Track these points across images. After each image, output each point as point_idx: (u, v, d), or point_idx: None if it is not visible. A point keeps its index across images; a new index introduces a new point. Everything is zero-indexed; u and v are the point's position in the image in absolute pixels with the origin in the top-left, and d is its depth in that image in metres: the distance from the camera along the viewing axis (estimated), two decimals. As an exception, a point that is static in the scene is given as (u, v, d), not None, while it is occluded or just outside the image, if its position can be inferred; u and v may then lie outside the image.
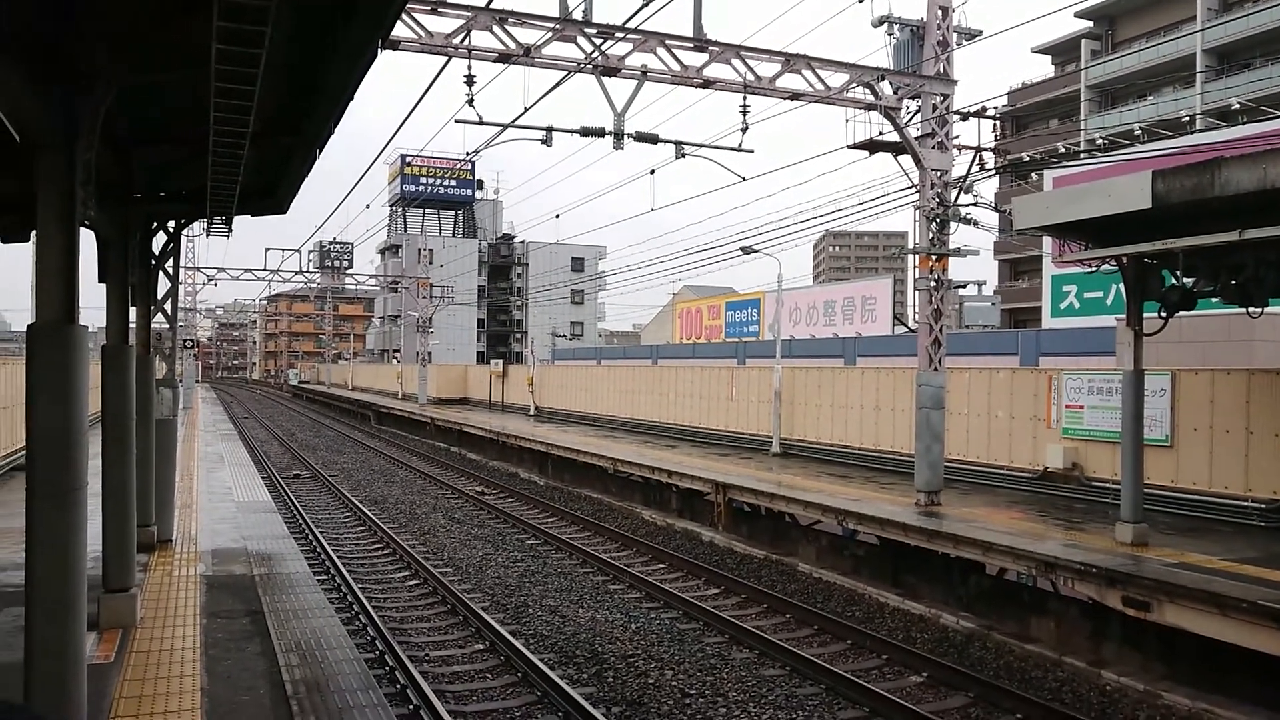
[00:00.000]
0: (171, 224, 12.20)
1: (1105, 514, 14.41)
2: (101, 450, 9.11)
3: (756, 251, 24.06)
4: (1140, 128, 35.87)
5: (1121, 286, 12.91)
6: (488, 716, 9.44)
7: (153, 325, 12.52)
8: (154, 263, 12.17)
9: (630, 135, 15.93)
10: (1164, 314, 12.40)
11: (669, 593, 14.12)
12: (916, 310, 17.54)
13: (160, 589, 10.39)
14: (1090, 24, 49.88)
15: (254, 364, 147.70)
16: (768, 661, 11.23)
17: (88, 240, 8.39)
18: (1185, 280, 12.01)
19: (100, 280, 9.58)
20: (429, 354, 51.76)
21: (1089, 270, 13.32)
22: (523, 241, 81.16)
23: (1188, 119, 39.21)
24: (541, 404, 41.44)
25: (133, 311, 10.54)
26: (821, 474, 20.13)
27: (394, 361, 74.91)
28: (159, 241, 12.27)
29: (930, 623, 12.85)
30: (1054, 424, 17.18)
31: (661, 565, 16.47)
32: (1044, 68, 55.03)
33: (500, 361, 51.55)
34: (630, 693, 10.05)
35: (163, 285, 12.77)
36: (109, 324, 9.68)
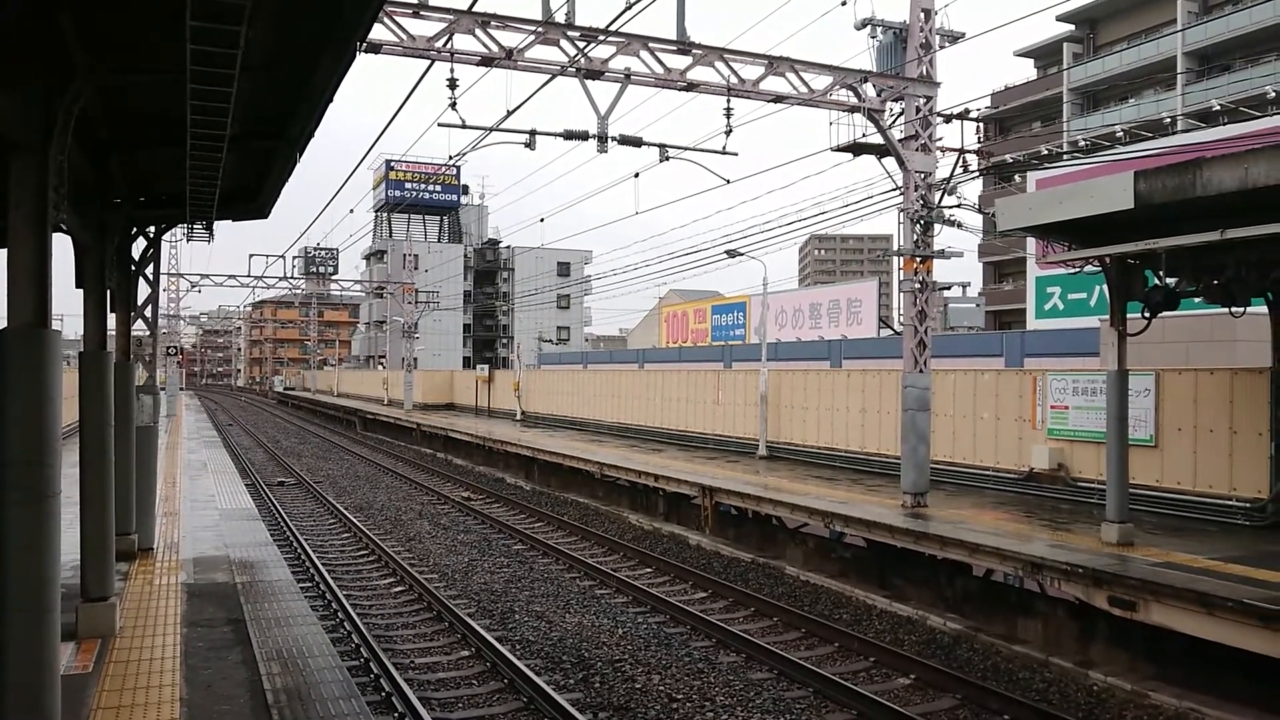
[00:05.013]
0: (152, 229, 12.12)
1: (1091, 514, 14.44)
2: (79, 457, 9.01)
3: (742, 255, 24.06)
4: (1122, 129, 36.07)
5: (1105, 287, 12.93)
6: (473, 723, 9.36)
7: (133, 332, 12.39)
8: (134, 268, 12.08)
9: (614, 138, 15.89)
10: (1147, 314, 12.42)
11: (656, 597, 14.06)
12: (901, 312, 17.55)
13: (140, 598, 10.27)
14: (1072, 27, 50.19)
15: (239, 371, 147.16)
16: (755, 665, 11.18)
17: (65, 245, 8.31)
18: (1168, 280, 12.03)
19: (78, 286, 9.48)
20: (415, 359, 51.60)
21: (1072, 271, 13.35)
22: (508, 246, 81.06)
23: (1169, 120, 39.44)
24: (528, 409, 41.35)
25: (112, 318, 10.43)
26: (809, 477, 20.11)
27: (380, 367, 74.71)
28: (139, 247, 12.18)
29: (918, 624, 12.82)
30: (1039, 425, 17.20)
31: (649, 569, 16.42)
32: (1027, 71, 55.25)
33: (486, 366, 51.32)
34: (617, 698, 9.98)
35: (143, 291, 12.66)
36: (86, 330, 9.57)
